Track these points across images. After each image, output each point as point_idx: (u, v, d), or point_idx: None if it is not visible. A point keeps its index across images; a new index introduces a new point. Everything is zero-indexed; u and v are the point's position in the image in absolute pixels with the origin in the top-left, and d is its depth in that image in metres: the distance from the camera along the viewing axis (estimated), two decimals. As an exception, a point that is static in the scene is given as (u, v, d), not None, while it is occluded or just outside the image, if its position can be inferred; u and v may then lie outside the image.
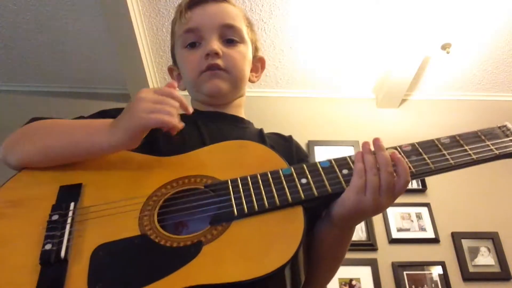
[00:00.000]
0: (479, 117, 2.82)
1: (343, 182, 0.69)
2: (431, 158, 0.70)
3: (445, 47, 2.40)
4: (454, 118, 2.82)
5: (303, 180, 0.69)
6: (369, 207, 0.67)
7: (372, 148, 0.71)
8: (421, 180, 2.54)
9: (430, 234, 2.37)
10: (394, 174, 0.67)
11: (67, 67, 2.65)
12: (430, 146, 0.72)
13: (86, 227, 0.66)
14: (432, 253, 2.33)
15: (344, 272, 2.22)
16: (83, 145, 0.73)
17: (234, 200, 0.66)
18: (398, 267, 2.26)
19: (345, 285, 2.22)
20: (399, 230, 2.38)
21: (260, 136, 0.95)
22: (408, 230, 2.38)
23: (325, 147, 2.64)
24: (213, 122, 0.93)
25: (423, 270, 2.27)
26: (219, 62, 0.91)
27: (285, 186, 0.68)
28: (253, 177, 0.69)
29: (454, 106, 2.87)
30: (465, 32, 2.40)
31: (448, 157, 0.70)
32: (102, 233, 0.65)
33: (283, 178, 0.69)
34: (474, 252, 2.34)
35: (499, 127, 0.74)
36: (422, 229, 2.38)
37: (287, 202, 0.66)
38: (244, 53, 0.96)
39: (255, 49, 1.03)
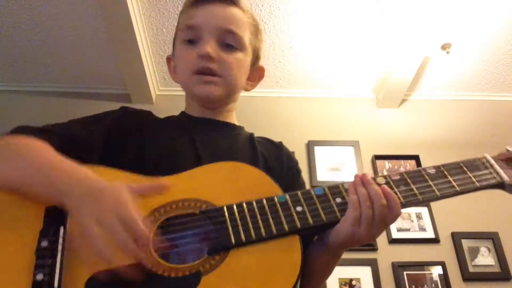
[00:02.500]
0: (479, 117, 2.83)
1: (337, 212, 0.70)
2: (419, 189, 0.73)
3: (445, 47, 2.40)
4: (454, 118, 2.82)
5: (298, 208, 0.69)
6: (363, 237, 0.69)
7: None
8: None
9: (430, 234, 2.37)
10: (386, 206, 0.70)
11: (67, 67, 2.65)
12: (417, 176, 0.75)
13: (79, 255, 0.63)
14: (432, 253, 2.33)
15: (344, 272, 2.22)
16: (41, 196, 0.69)
17: (231, 228, 0.66)
18: (398, 267, 2.26)
19: (345, 285, 2.22)
20: (399, 230, 2.38)
21: (251, 143, 0.95)
22: (408, 230, 2.38)
23: (325, 147, 2.64)
24: (206, 130, 0.92)
25: (423, 270, 2.27)
26: (212, 66, 0.89)
27: (281, 215, 0.68)
28: (249, 204, 0.69)
29: (454, 106, 2.87)
30: (465, 32, 2.40)
31: (434, 188, 0.74)
32: (95, 262, 0.62)
33: (278, 206, 0.69)
34: (474, 252, 2.34)
35: (479, 159, 0.80)
36: (422, 229, 2.38)
37: (283, 231, 0.66)
38: (240, 61, 0.93)
39: (257, 58, 1.01)
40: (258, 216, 0.67)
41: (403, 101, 2.86)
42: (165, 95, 2.77)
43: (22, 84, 2.78)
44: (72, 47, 2.50)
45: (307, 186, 0.96)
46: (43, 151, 0.74)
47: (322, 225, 0.70)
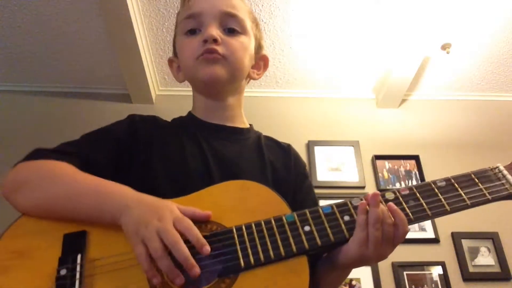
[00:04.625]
0: (479, 117, 2.83)
1: (345, 231, 0.70)
2: (428, 204, 0.72)
3: (445, 47, 2.40)
4: (454, 118, 2.82)
5: (306, 228, 0.70)
6: (372, 258, 0.70)
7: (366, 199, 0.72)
8: (421, 180, 2.54)
9: (430, 234, 2.37)
10: (393, 225, 0.69)
11: (67, 67, 2.65)
12: (427, 190, 0.74)
13: (96, 282, 0.65)
14: (432, 253, 2.32)
15: (344, 272, 2.22)
16: (92, 213, 0.71)
17: (241, 251, 0.67)
18: (398, 267, 2.26)
19: (345, 285, 2.22)
20: (399, 230, 2.37)
21: (259, 149, 0.94)
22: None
23: (325, 147, 2.64)
24: (214, 137, 0.92)
25: (423, 270, 2.27)
26: (217, 47, 0.88)
27: (289, 235, 0.69)
28: (258, 225, 0.70)
29: (454, 106, 2.87)
30: (465, 32, 2.40)
31: (444, 202, 0.72)
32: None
33: (287, 226, 0.70)
34: (474, 252, 2.34)
35: (492, 169, 0.76)
36: (422, 229, 2.38)
37: (292, 253, 0.67)
38: (245, 44, 0.93)
39: (259, 46, 1.00)
40: (267, 238, 0.68)
41: (403, 101, 2.86)
42: (165, 95, 2.77)
43: (22, 84, 2.78)
44: (72, 47, 2.50)
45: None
46: (80, 174, 0.76)
47: (331, 245, 0.70)
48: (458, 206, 0.72)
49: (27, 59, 2.58)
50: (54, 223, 0.72)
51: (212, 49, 0.87)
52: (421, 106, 2.87)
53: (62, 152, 0.81)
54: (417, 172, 2.58)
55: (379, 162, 2.60)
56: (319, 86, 2.81)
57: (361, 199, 0.72)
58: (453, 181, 0.75)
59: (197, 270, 0.63)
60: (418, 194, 0.73)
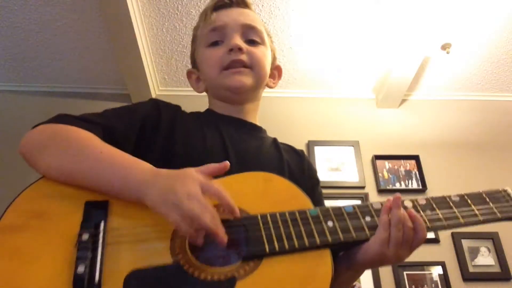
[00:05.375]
0: (479, 117, 2.83)
1: (366, 230, 0.73)
2: (444, 215, 0.77)
3: (445, 47, 2.40)
4: (454, 118, 2.82)
5: (330, 223, 0.72)
6: (391, 259, 0.72)
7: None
8: (421, 180, 2.54)
9: (430, 234, 2.37)
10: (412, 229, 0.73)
11: (67, 67, 2.65)
12: (442, 202, 0.78)
13: (118, 250, 0.65)
14: (432, 253, 2.33)
15: (344, 272, 2.22)
16: (113, 188, 0.70)
17: (266, 237, 0.68)
18: (398, 267, 2.26)
19: (345, 285, 2.22)
20: (399, 230, 2.37)
21: (276, 148, 0.98)
22: (408, 230, 2.38)
23: (325, 147, 2.64)
24: (234, 129, 0.95)
25: (423, 270, 2.27)
26: (243, 57, 0.93)
27: (313, 228, 0.70)
28: (282, 215, 0.71)
29: (454, 106, 2.87)
30: (465, 32, 2.40)
31: (458, 215, 0.77)
32: (134, 259, 0.64)
33: (310, 219, 0.71)
34: (474, 252, 2.34)
35: (499, 191, 0.82)
36: (422, 229, 2.38)
37: (315, 245, 0.68)
38: (265, 54, 0.99)
39: (274, 57, 1.07)
40: (291, 227, 0.69)
41: (403, 101, 2.86)
42: (165, 95, 2.77)
43: (22, 84, 2.78)
44: (72, 47, 2.50)
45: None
46: (105, 146, 0.75)
47: (351, 242, 0.72)
48: (472, 221, 0.77)
49: (27, 59, 2.58)
50: (75, 190, 0.71)
51: (238, 60, 0.93)
52: (421, 106, 2.87)
53: (87, 121, 0.81)
54: (417, 172, 2.58)
55: (379, 162, 2.60)
56: (319, 86, 2.81)
57: (381, 204, 0.75)
58: (466, 197, 0.79)
59: (239, 215, 0.67)
60: (434, 205, 0.77)
